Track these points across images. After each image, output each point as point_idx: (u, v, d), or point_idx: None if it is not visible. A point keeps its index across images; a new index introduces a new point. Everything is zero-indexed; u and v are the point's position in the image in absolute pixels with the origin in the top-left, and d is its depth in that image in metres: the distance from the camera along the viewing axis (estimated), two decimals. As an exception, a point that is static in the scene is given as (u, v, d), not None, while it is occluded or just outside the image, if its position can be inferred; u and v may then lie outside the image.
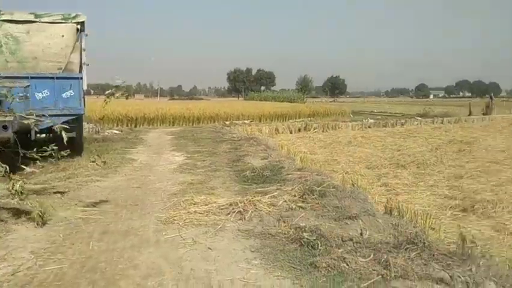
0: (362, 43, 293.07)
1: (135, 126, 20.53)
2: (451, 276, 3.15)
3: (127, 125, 20.46)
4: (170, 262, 3.76)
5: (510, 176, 8.44)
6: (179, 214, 5.05)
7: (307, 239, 4.01)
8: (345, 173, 8.43)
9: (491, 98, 30.44)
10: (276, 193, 5.84)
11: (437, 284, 3.11)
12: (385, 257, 3.50)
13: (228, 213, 5.01)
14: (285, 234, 4.30)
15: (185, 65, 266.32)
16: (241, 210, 5.03)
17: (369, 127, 19.89)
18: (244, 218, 4.86)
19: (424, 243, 3.70)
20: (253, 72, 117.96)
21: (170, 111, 23.10)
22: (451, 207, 6.31)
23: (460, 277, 3.13)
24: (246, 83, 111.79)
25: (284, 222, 4.65)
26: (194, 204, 5.43)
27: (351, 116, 30.13)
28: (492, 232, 5.29)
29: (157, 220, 4.96)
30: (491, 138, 15.21)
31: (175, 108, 24.50)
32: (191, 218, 4.90)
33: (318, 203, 5.34)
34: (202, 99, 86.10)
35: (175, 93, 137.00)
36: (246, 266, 3.65)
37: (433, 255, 3.53)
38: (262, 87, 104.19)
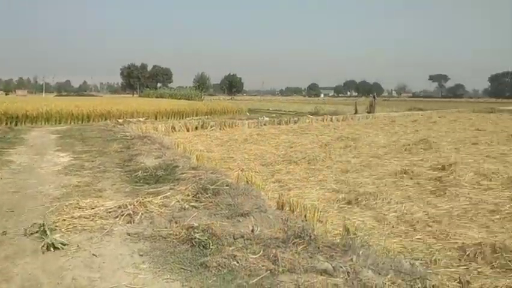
0: (258, 42, 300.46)
1: (15, 125, 18.72)
2: (333, 267, 3.32)
3: (6, 124, 18.60)
4: (49, 272, 3.47)
5: (389, 169, 9.19)
6: (61, 219, 4.69)
7: (198, 239, 3.97)
8: (241, 170, 8.51)
9: (374, 97, 33.07)
10: (168, 193, 5.72)
11: (321, 275, 3.25)
12: (274, 252, 3.58)
13: (116, 217, 4.78)
14: (176, 235, 4.21)
15: (75, 58, 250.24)
16: (131, 212, 4.83)
17: (264, 125, 20.39)
18: (134, 220, 4.68)
19: (310, 236, 3.87)
20: (149, 68, 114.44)
21: (56, 108, 21.38)
22: (337, 200, 6.65)
23: (341, 267, 3.31)
24: (141, 79, 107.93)
25: (176, 222, 4.56)
26: (79, 208, 5.09)
27: (248, 114, 30.68)
28: (373, 222, 5.66)
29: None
30: (373, 134, 16.50)
31: (61, 105, 22.76)
32: (75, 223, 4.58)
33: (211, 202, 5.33)
34: (93, 95, 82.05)
35: (62, 89, 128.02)
36: (133, 271, 3.50)
37: (318, 247, 3.70)
38: (159, 84, 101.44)
